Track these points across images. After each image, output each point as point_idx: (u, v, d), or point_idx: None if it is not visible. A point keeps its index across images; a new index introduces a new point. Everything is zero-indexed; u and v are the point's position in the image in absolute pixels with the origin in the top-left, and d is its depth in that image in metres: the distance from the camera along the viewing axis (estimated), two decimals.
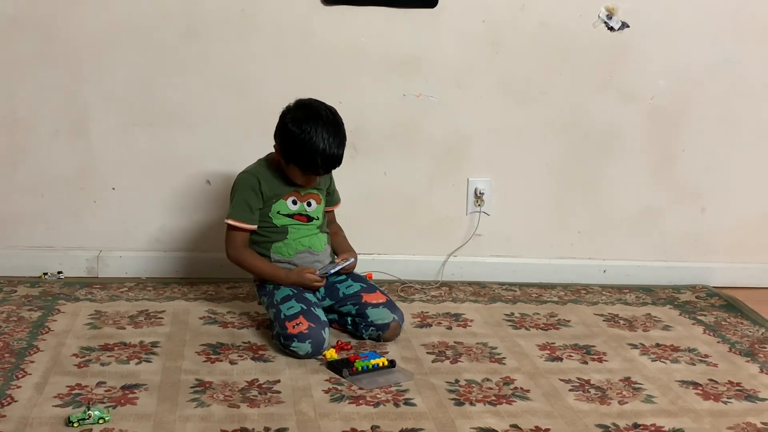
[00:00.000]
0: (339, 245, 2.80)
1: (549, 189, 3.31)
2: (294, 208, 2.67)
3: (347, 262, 2.69)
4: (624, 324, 2.92)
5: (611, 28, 3.18)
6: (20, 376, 2.29)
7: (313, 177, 2.64)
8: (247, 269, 2.70)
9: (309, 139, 2.53)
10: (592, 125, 3.27)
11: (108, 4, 2.98)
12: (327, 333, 2.51)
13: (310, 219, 2.69)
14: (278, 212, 2.66)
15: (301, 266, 2.65)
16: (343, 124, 2.61)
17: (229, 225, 2.66)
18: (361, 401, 2.24)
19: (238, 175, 2.71)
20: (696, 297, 3.24)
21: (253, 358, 2.48)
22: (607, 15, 3.17)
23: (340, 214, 2.90)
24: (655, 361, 2.62)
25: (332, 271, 2.65)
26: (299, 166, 2.59)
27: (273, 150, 2.69)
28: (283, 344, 2.49)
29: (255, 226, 2.66)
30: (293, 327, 2.48)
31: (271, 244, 2.67)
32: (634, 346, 2.72)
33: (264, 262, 2.66)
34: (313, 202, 2.70)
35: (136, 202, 3.13)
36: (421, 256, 3.28)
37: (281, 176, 2.66)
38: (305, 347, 2.46)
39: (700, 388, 2.44)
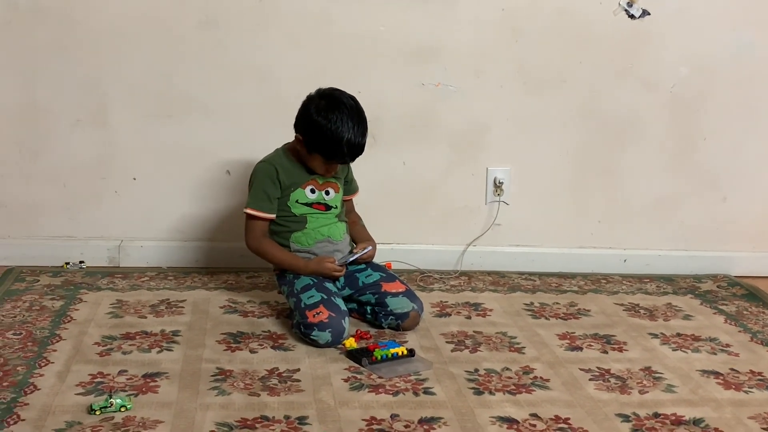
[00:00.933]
0: (358, 234, 2.80)
1: (569, 178, 3.30)
2: (312, 197, 2.68)
3: (366, 251, 2.69)
4: (644, 313, 2.90)
5: (632, 16, 3.16)
6: (43, 364, 2.31)
7: (334, 166, 2.65)
8: (266, 259, 2.71)
9: (335, 129, 2.54)
10: (612, 113, 3.25)
11: None
12: (347, 322, 2.52)
13: (328, 208, 2.70)
14: (296, 201, 2.67)
15: (320, 255, 2.65)
16: (364, 112, 2.62)
17: (247, 214, 2.67)
18: (380, 390, 2.25)
19: (256, 164, 2.72)
20: (717, 286, 3.23)
21: (273, 347, 2.49)
22: (628, 2, 3.14)
23: (359, 203, 2.91)
24: (675, 350, 2.61)
25: (351, 259, 2.66)
26: (324, 155, 2.59)
27: (291, 139, 2.70)
28: (304, 333, 2.50)
29: (273, 215, 2.67)
30: (314, 316, 2.48)
31: (290, 233, 2.67)
32: (655, 336, 2.71)
33: (283, 252, 2.67)
34: (331, 191, 2.71)
35: (157, 192, 3.15)
36: (440, 245, 3.28)
37: (299, 165, 2.67)
38: (325, 336, 2.46)
39: (721, 377, 2.43)
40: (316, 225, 2.68)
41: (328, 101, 2.59)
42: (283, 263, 2.67)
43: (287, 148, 2.71)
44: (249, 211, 2.67)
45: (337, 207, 2.72)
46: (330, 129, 2.55)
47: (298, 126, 2.64)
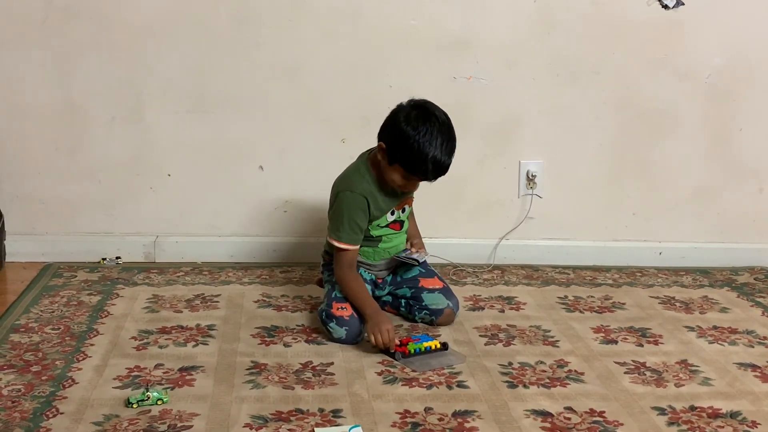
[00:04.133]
0: (409, 230, 2.74)
1: (602, 170, 3.27)
2: (392, 218, 2.62)
3: (424, 258, 2.67)
4: (680, 306, 2.88)
5: (665, 6, 3.13)
6: (81, 358, 2.34)
7: (413, 183, 2.53)
8: (344, 290, 2.54)
9: (423, 141, 2.39)
10: (647, 105, 3.22)
11: None
12: (366, 329, 2.47)
13: (401, 224, 2.65)
14: (378, 225, 2.61)
15: (384, 318, 2.45)
16: (454, 130, 2.48)
17: (339, 248, 2.53)
18: (414, 383, 2.25)
19: (344, 192, 2.54)
20: (754, 279, 3.19)
21: (306, 341, 2.50)
22: None
23: None
24: (712, 343, 2.58)
25: (415, 257, 2.63)
26: (406, 168, 2.44)
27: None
28: (323, 320, 2.52)
29: (359, 246, 2.57)
30: (338, 309, 2.49)
31: (360, 246, 2.59)
32: (691, 329, 2.68)
33: (360, 292, 2.52)
34: (407, 207, 2.66)
35: (191, 188, 3.18)
36: (473, 239, 3.27)
37: (386, 191, 2.55)
38: (340, 332, 2.47)
39: (759, 370, 2.40)
40: (388, 245, 2.65)
41: (420, 112, 2.44)
42: (356, 300, 2.50)
43: (368, 162, 2.56)
44: (342, 245, 2.52)
45: (406, 221, 2.67)
46: (418, 141, 2.39)
47: (382, 134, 2.49)
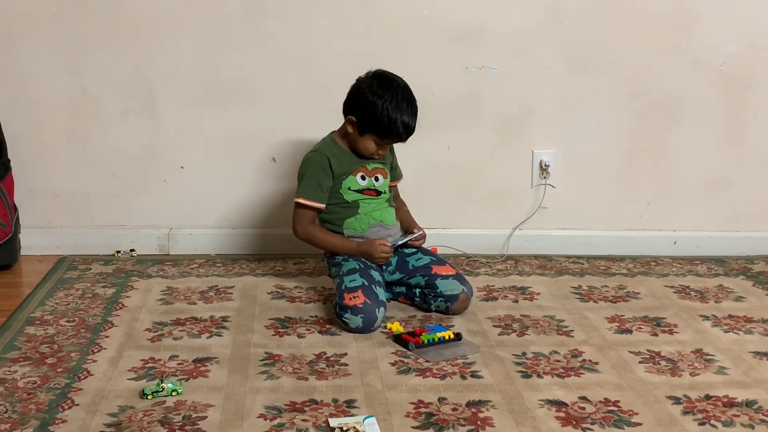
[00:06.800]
0: (403, 219, 2.81)
1: (616, 159, 3.26)
2: (363, 184, 2.69)
3: (418, 234, 2.70)
4: (695, 295, 2.86)
5: None
6: (96, 350, 2.35)
7: (385, 146, 2.67)
8: (317, 245, 2.73)
9: (391, 107, 2.57)
10: (660, 93, 3.20)
11: None
12: (381, 313, 2.51)
13: (378, 193, 2.71)
14: (349, 188, 2.68)
15: (369, 241, 2.66)
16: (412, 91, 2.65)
17: (297, 203, 2.69)
18: (427, 373, 2.25)
19: (306, 154, 2.73)
20: None
21: (320, 332, 2.51)
22: None
23: (405, 188, 2.91)
24: (727, 332, 2.57)
25: (403, 241, 2.67)
26: (379, 134, 2.61)
27: (336, 125, 2.71)
28: (338, 313, 2.52)
29: (323, 205, 2.68)
30: (350, 299, 2.50)
31: (343, 220, 2.69)
32: (706, 318, 2.67)
33: (334, 236, 2.69)
34: (380, 177, 2.72)
35: (205, 180, 3.18)
36: (486, 229, 3.27)
37: (349, 152, 2.68)
38: (356, 321, 2.47)
39: None
40: (369, 210, 2.69)
41: (381, 81, 2.61)
42: (336, 247, 2.68)
43: (335, 136, 2.72)
44: (300, 200, 2.68)
45: (386, 192, 2.74)
46: (386, 107, 2.57)
47: (349, 108, 2.65)
